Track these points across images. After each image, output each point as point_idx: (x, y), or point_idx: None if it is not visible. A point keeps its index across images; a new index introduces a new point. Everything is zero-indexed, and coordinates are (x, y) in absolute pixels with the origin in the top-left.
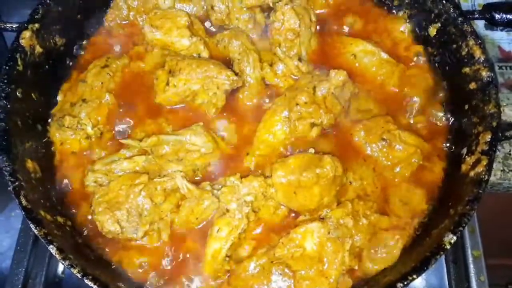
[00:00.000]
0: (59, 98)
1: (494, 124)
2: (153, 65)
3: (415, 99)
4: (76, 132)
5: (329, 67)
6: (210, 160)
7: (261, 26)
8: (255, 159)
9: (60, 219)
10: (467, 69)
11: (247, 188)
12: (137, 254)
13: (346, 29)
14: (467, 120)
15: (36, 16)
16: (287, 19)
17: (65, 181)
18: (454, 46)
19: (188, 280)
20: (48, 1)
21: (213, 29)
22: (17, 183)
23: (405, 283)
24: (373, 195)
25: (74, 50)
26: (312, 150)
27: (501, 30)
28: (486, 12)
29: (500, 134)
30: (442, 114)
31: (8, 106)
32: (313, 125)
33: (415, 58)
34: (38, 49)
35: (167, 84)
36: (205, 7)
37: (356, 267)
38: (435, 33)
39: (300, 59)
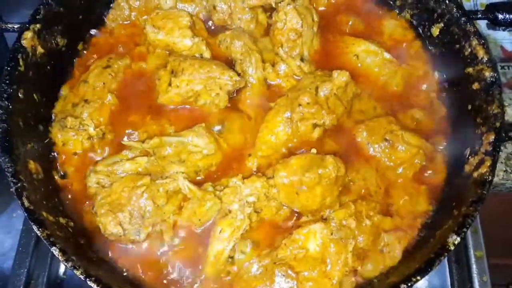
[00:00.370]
0: (60, 98)
1: (498, 124)
2: (155, 66)
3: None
4: (78, 132)
5: (331, 68)
6: (212, 161)
7: (263, 26)
8: (257, 160)
9: (62, 220)
10: (470, 69)
11: (249, 189)
12: (139, 255)
13: (348, 29)
14: (470, 120)
15: (37, 17)
16: (289, 19)
17: (67, 182)
18: (457, 46)
19: (190, 281)
20: (49, 1)
21: (215, 30)
22: (19, 184)
23: (409, 284)
24: (376, 196)
25: (76, 51)
26: (314, 151)
27: (504, 30)
28: (489, 12)
29: (504, 135)
30: (444, 115)
31: (10, 106)
32: (315, 125)
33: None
34: (40, 49)
35: (170, 84)
36: (207, 7)
37: (359, 268)
38: (437, 33)
39: (302, 59)
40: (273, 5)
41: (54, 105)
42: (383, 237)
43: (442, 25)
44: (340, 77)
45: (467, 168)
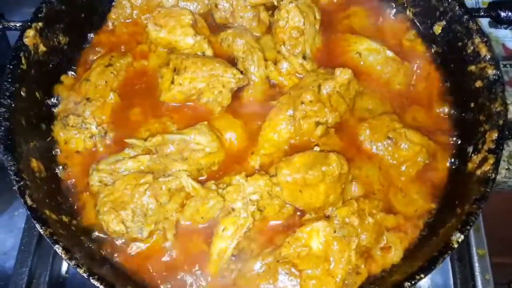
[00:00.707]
0: (62, 97)
1: (501, 122)
2: (157, 64)
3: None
4: (80, 131)
5: (333, 66)
6: (214, 160)
7: (265, 24)
8: (260, 158)
9: (65, 218)
10: (472, 67)
11: (252, 187)
12: (142, 254)
13: (350, 27)
14: (473, 118)
15: (39, 15)
16: (292, 17)
17: (70, 180)
18: (460, 44)
19: (193, 279)
20: (51, 0)
21: (217, 28)
22: (22, 183)
23: (413, 282)
24: (379, 194)
25: (78, 49)
26: (317, 148)
27: (505, 28)
28: (492, 9)
29: (507, 133)
30: (447, 112)
31: (12, 105)
32: (318, 123)
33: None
34: (42, 47)
35: (172, 82)
36: (209, 5)
37: (363, 266)
38: (440, 31)
39: (304, 58)
40: (275, 3)
41: (56, 104)
42: (385, 236)
43: (445, 23)
44: (343, 75)
45: (470, 165)
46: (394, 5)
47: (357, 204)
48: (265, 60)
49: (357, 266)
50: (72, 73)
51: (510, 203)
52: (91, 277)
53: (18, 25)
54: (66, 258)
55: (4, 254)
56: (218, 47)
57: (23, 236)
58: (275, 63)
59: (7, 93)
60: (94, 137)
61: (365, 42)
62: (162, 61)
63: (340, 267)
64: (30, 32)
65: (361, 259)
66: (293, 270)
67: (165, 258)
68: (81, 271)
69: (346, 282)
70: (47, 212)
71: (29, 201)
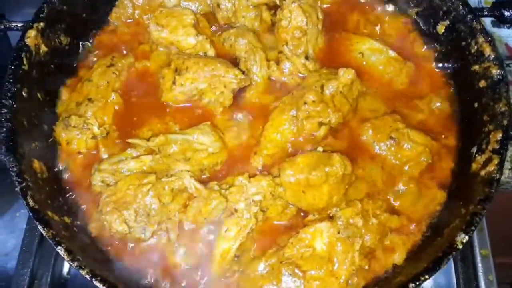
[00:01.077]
0: (64, 97)
1: (505, 122)
2: (158, 64)
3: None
4: (82, 131)
5: (336, 66)
6: (217, 160)
7: (267, 24)
8: (263, 158)
9: (67, 219)
10: (476, 67)
11: (255, 187)
12: (145, 255)
13: (353, 26)
14: (477, 118)
15: (41, 15)
16: (294, 17)
17: (72, 181)
18: (463, 43)
19: (196, 280)
20: (53, 0)
21: (219, 28)
22: (24, 184)
23: (417, 283)
24: (382, 194)
25: (79, 49)
26: (320, 149)
27: (508, 28)
28: (495, 9)
29: None
30: (450, 113)
31: (14, 105)
32: (321, 124)
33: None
34: (43, 48)
35: (174, 83)
36: (211, 5)
37: (367, 267)
38: (443, 30)
39: (307, 58)
40: (278, 3)
41: (57, 105)
42: (388, 237)
43: (448, 22)
44: (346, 75)
45: (474, 166)
46: (397, 5)
47: (361, 204)
48: (268, 60)
49: (361, 267)
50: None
51: None
52: (93, 279)
53: (19, 25)
54: (68, 259)
55: (5, 255)
56: (220, 47)
57: (25, 237)
58: (278, 63)
59: (9, 94)
60: (96, 138)
61: (367, 42)
62: (164, 62)
63: (344, 268)
64: (32, 33)
65: (365, 260)
66: (296, 271)
67: (168, 259)
68: (83, 272)
69: (350, 283)
70: (49, 213)
71: (31, 202)
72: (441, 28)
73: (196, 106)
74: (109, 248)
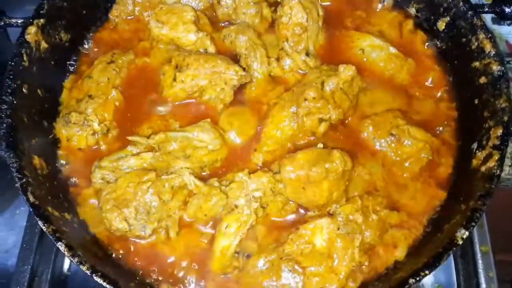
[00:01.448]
0: (64, 94)
1: (506, 118)
2: (159, 61)
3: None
4: (82, 128)
5: (336, 62)
6: (217, 157)
7: (268, 20)
8: (263, 155)
9: (67, 215)
10: (476, 63)
11: (255, 183)
12: (145, 252)
13: (353, 23)
14: (477, 114)
15: (41, 11)
16: (295, 13)
17: (72, 177)
18: (464, 40)
19: (197, 277)
20: None
21: (220, 24)
22: (24, 180)
23: (417, 279)
24: (382, 191)
25: (80, 46)
26: (320, 145)
27: (509, 25)
28: (496, 5)
29: None
30: (451, 109)
31: (14, 102)
32: (321, 120)
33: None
34: (44, 44)
35: (174, 79)
36: (211, 1)
37: (367, 263)
38: (443, 27)
39: (307, 54)
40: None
41: (58, 101)
42: (389, 232)
43: (448, 19)
44: (347, 71)
45: (474, 162)
46: (397, 1)
47: (361, 201)
48: (268, 56)
49: (361, 263)
50: (74, 70)
51: None
52: (94, 274)
53: (19, 22)
54: (69, 255)
55: (6, 252)
56: (220, 43)
57: (25, 234)
58: (278, 59)
59: (9, 90)
60: (96, 135)
61: (368, 38)
62: (164, 58)
63: (343, 264)
64: (32, 29)
65: (365, 256)
66: (296, 267)
67: (168, 256)
68: (84, 268)
69: (349, 279)
70: (50, 209)
71: (31, 198)
72: (441, 25)
73: (197, 102)
74: (110, 244)
